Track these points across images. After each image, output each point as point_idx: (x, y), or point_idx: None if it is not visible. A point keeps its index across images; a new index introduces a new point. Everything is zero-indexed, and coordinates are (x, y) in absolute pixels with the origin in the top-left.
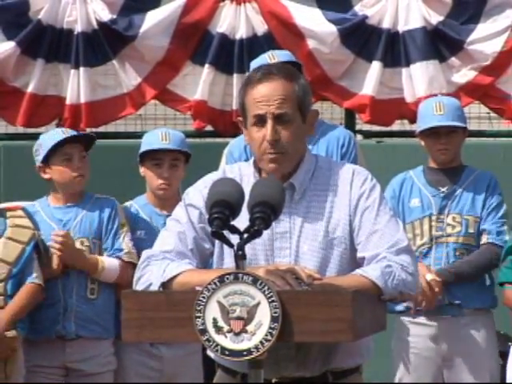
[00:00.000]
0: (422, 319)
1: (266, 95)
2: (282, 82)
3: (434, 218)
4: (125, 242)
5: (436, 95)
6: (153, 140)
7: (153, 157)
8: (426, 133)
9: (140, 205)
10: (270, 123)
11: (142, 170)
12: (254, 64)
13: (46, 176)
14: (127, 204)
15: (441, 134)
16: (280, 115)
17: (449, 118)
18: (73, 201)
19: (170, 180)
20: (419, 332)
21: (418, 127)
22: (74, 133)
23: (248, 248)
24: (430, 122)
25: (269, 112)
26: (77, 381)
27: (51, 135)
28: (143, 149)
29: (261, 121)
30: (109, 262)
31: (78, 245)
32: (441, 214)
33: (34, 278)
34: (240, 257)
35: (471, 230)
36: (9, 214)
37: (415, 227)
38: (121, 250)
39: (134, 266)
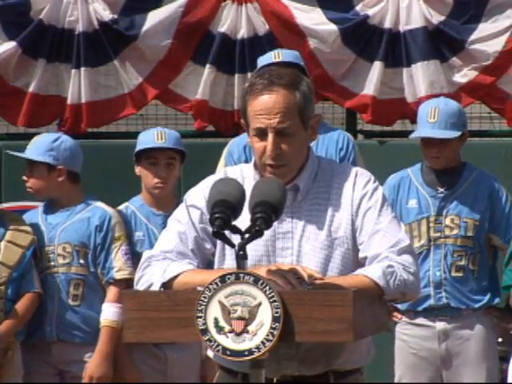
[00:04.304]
0: (421, 320)
1: (267, 108)
2: (283, 93)
3: (431, 219)
4: (117, 258)
5: (439, 95)
6: (148, 139)
7: (148, 156)
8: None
9: (136, 206)
10: (271, 137)
11: (138, 170)
12: (261, 61)
13: None
14: (122, 206)
15: (433, 141)
16: (281, 129)
17: (441, 126)
18: (60, 207)
19: (165, 179)
20: (418, 333)
21: (414, 132)
22: (25, 153)
23: (249, 248)
24: (422, 129)
25: (270, 126)
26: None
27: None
28: (138, 148)
29: (262, 133)
30: (110, 315)
31: (59, 250)
32: (439, 215)
33: (35, 287)
34: (241, 257)
35: (470, 233)
36: (8, 217)
37: (413, 229)
38: (113, 267)
39: (127, 280)
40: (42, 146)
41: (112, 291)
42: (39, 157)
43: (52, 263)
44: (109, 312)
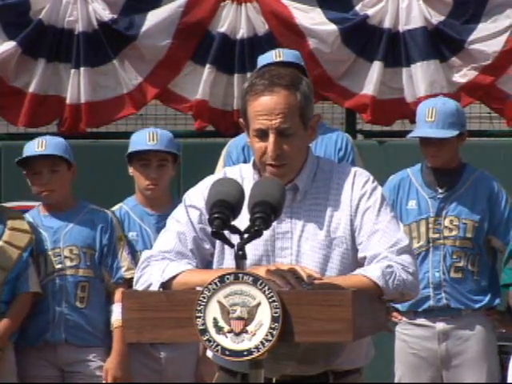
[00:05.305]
0: (421, 320)
1: (268, 109)
2: (284, 94)
3: (431, 220)
4: (123, 258)
5: (437, 95)
6: (140, 140)
7: (140, 157)
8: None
9: (130, 206)
10: (272, 138)
11: (131, 170)
12: (261, 60)
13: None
14: (117, 207)
15: (431, 141)
16: (283, 130)
17: (439, 126)
18: (60, 210)
19: (157, 180)
20: (418, 333)
21: (412, 132)
22: (42, 151)
23: (249, 248)
24: (420, 129)
25: (271, 127)
26: (74, 381)
27: (30, 146)
28: (131, 149)
29: (262, 134)
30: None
31: (66, 253)
32: (438, 216)
33: (29, 287)
34: (240, 257)
35: (469, 235)
36: (8, 214)
37: (412, 230)
38: (120, 267)
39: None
40: (60, 145)
41: (121, 291)
42: (64, 155)
43: (60, 265)
44: (120, 313)
